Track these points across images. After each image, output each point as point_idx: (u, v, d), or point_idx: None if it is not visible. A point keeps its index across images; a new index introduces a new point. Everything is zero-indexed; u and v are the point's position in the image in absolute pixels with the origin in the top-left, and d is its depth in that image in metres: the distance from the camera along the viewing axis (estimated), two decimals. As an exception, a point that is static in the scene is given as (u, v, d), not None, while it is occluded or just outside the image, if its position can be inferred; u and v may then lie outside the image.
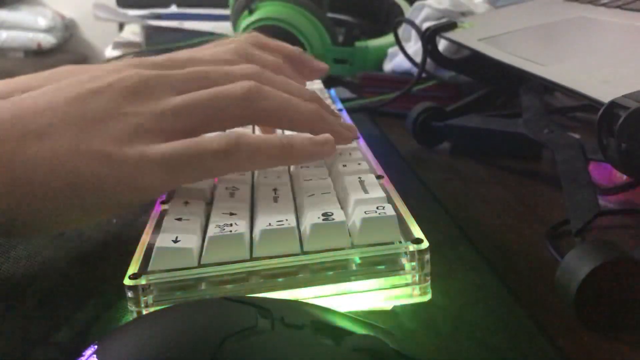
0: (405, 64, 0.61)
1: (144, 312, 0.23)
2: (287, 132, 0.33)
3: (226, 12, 0.77)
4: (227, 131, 0.28)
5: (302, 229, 0.25)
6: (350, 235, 0.25)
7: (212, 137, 0.26)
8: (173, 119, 0.26)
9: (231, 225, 0.25)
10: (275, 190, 0.29)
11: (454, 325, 0.25)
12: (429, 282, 0.25)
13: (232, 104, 0.27)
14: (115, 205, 0.26)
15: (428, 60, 0.53)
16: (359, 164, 0.31)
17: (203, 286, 0.24)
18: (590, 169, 0.34)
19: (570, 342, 0.25)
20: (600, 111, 0.28)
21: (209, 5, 0.91)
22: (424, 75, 0.55)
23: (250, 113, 0.28)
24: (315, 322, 0.19)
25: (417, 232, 0.25)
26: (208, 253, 0.24)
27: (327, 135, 0.29)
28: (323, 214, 0.25)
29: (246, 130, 0.37)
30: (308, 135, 0.29)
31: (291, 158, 0.28)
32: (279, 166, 0.30)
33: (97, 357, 0.18)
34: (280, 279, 0.24)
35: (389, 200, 0.27)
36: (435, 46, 0.52)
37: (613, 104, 0.28)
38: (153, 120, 0.25)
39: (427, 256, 0.24)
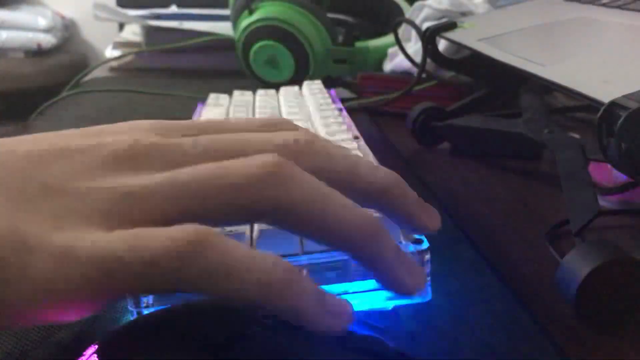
0: (405, 64, 0.61)
1: (144, 312, 0.23)
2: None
3: (226, 12, 0.77)
4: (190, 225, 0.17)
5: (302, 229, 0.25)
6: (350, 235, 0.25)
7: (160, 233, 0.17)
8: (142, 202, 0.18)
9: (231, 225, 0.25)
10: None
11: (454, 325, 0.25)
12: (429, 282, 0.25)
13: (236, 188, 0.18)
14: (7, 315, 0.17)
15: (428, 60, 0.53)
16: (359, 164, 0.31)
17: (203, 286, 0.24)
18: (590, 169, 0.34)
19: (570, 342, 0.25)
20: (600, 111, 0.28)
21: (209, 5, 0.91)
22: (424, 75, 0.55)
23: (259, 205, 0.18)
24: (316, 322, 0.19)
25: (417, 232, 0.25)
26: (208, 253, 0.24)
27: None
28: (323, 214, 0.25)
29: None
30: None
31: (282, 301, 0.17)
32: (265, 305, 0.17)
33: (97, 357, 0.18)
34: (280, 279, 0.24)
35: (389, 200, 0.27)
36: (435, 46, 0.52)
37: (613, 104, 0.28)
38: (113, 202, 0.18)
39: (428, 256, 0.24)
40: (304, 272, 0.17)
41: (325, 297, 0.18)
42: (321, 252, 0.24)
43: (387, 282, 0.20)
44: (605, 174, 0.39)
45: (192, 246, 0.16)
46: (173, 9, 0.99)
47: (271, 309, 0.17)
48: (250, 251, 0.17)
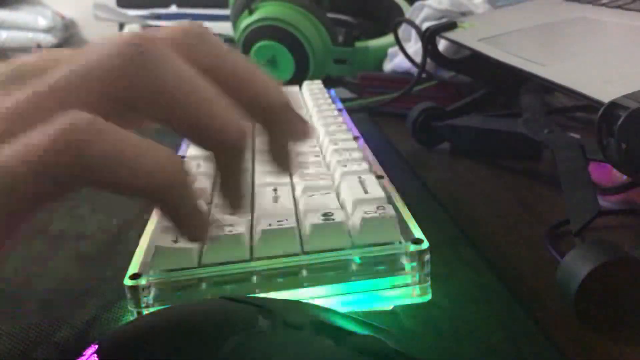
0: (405, 64, 0.61)
1: (144, 312, 0.23)
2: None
3: (226, 12, 0.77)
4: (71, 115, 0.16)
5: (302, 229, 0.25)
6: (350, 236, 0.25)
7: (43, 130, 0.15)
8: (19, 115, 0.17)
9: (231, 225, 0.25)
10: (275, 190, 0.29)
11: (454, 325, 0.25)
12: (429, 282, 0.25)
13: (99, 77, 0.17)
14: None
15: (428, 60, 0.53)
16: (359, 164, 0.31)
17: (203, 286, 0.24)
18: (590, 169, 0.34)
19: (570, 342, 0.25)
20: (600, 111, 0.28)
21: (209, 5, 0.91)
22: (424, 75, 0.55)
23: (124, 93, 0.17)
24: (316, 322, 0.19)
25: (417, 232, 0.25)
26: (208, 253, 0.24)
27: None
28: (323, 214, 0.25)
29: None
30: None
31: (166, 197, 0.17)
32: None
33: (97, 357, 0.18)
34: (280, 279, 0.24)
35: (389, 200, 0.27)
36: (435, 46, 0.52)
37: (613, 104, 0.28)
38: None
39: (427, 256, 0.24)
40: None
41: (201, 214, 0.18)
42: (321, 252, 0.24)
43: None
44: (605, 174, 0.39)
45: (79, 132, 0.15)
46: (173, 9, 0.99)
47: (154, 202, 0.17)
48: (142, 141, 0.16)
